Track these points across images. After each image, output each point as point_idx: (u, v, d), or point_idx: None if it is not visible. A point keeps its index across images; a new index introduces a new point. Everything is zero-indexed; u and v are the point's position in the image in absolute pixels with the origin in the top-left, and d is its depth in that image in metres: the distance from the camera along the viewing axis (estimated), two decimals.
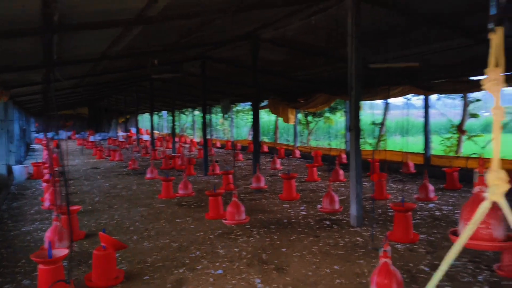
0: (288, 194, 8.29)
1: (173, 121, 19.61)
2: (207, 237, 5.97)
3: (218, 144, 24.66)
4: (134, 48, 8.51)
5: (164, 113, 35.60)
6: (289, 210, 7.56)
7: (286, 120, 15.69)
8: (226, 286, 4.22)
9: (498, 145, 1.45)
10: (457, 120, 14.07)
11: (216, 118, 29.81)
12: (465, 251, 5.09)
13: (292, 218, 7.01)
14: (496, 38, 1.33)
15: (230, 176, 9.67)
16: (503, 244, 2.47)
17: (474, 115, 14.01)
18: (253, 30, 8.54)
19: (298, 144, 17.68)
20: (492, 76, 1.37)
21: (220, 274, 4.55)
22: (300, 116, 19.75)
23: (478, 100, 13.34)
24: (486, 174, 1.50)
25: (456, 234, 2.60)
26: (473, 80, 9.49)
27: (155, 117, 30.69)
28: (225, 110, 18.48)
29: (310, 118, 21.80)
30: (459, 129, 6.22)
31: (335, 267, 4.67)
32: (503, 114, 1.42)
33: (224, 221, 6.32)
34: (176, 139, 21.22)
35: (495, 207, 1.56)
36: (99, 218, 7.29)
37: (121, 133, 36.05)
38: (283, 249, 5.32)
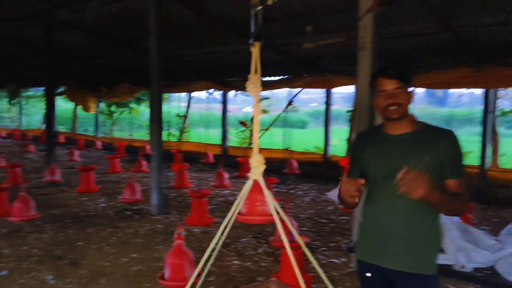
0: (86, 187, 7.92)
1: None
2: None
3: (4, 134, 21.45)
4: None
5: None
6: (87, 203, 7.26)
7: (86, 109, 14.79)
8: (13, 286, 3.86)
9: (257, 134, 1.82)
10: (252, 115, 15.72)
11: (2, 104, 25.79)
12: (250, 229, 5.88)
13: (90, 211, 6.76)
14: (255, 51, 1.68)
15: (19, 169, 8.63)
16: (271, 218, 3.03)
17: (264, 111, 15.88)
18: (47, 9, 7.80)
19: (100, 134, 16.86)
20: (252, 80, 1.73)
21: (4, 275, 4.12)
22: (102, 105, 18.81)
23: (267, 98, 15.14)
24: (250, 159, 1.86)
25: (240, 213, 3.06)
26: (263, 80, 10.81)
27: None
28: (12, 95, 16.21)
29: (114, 108, 20.97)
30: (241, 122, 7.10)
31: (133, 255, 4.77)
32: (261, 111, 1.80)
33: (10, 218, 5.67)
34: None
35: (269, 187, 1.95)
36: None
37: None
38: (79, 243, 5.13)
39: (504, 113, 9.78)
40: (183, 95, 17.21)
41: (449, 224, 3.54)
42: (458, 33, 6.36)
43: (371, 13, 4.13)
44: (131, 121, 26.43)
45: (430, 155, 1.92)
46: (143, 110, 21.88)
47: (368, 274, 2.09)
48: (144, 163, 10.37)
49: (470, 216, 5.33)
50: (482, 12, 5.74)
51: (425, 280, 1.96)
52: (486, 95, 8.05)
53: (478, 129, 8.93)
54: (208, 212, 6.21)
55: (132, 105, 21.02)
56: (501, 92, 9.70)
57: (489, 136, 8.34)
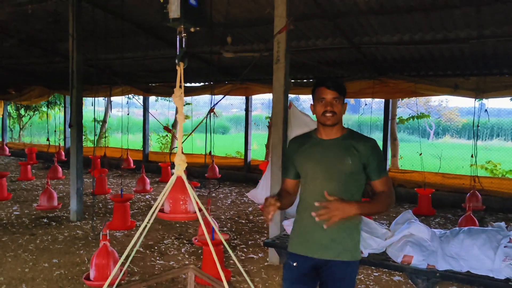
0: None
1: None
2: None
3: None
4: None
5: None
6: None
7: None
8: None
9: (181, 137, 2.09)
10: (173, 120, 15.72)
11: None
12: (172, 231, 6.06)
13: (3, 219, 6.47)
14: (180, 69, 1.97)
15: None
16: (193, 215, 3.31)
17: (186, 117, 15.99)
18: None
19: (7, 140, 15.74)
20: (177, 93, 2.00)
21: None
22: (10, 108, 17.59)
23: (188, 103, 15.30)
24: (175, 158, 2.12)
25: (162, 211, 3.28)
26: (186, 86, 10.99)
27: None
28: None
29: (22, 111, 19.66)
30: (165, 128, 7.27)
31: (54, 260, 4.74)
32: (184, 119, 2.08)
33: None
34: None
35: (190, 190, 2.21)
36: None
37: None
38: None
39: (402, 121, 10.96)
40: (101, 99, 16.72)
41: (360, 219, 4.07)
42: (362, 49, 7.14)
43: (281, 34, 4.59)
44: (43, 126, 24.87)
45: (352, 158, 2.20)
46: (56, 114, 20.76)
47: (295, 264, 2.31)
48: (60, 169, 10.00)
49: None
50: (381, 32, 6.54)
51: (346, 266, 2.23)
52: (386, 104, 9.03)
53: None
54: (131, 217, 6.28)
55: (44, 109, 19.86)
56: (399, 101, 10.88)
57: (389, 141, 9.34)
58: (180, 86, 1.99)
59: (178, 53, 1.89)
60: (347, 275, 2.26)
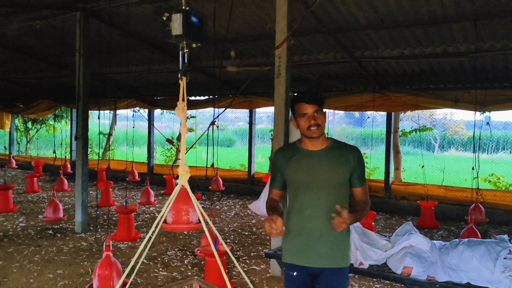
0: (4, 206, 7.60)
1: None
2: None
3: None
4: None
5: None
6: (5, 223, 7.00)
7: (1, 126, 13.98)
8: None
9: (184, 148, 2.18)
10: (178, 132, 15.83)
11: None
12: (176, 243, 6.11)
13: (9, 230, 6.56)
14: (182, 83, 2.06)
15: None
16: (196, 225, 3.37)
17: (190, 130, 16.12)
18: None
19: (14, 153, 15.93)
20: (180, 106, 2.09)
21: None
22: (17, 122, 17.83)
23: (193, 116, 15.44)
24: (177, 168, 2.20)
25: (165, 222, 3.35)
26: (190, 99, 11.13)
27: None
28: None
29: (29, 124, 19.90)
30: (168, 140, 7.38)
31: (59, 271, 4.80)
32: (187, 131, 2.17)
33: None
34: None
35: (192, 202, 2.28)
36: None
37: None
38: (0, 262, 5.02)
39: (404, 133, 11.01)
40: (107, 112, 16.91)
41: (350, 228, 4.11)
42: (363, 63, 7.25)
43: (279, 49, 4.70)
44: (50, 139, 25.11)
45: (342, 168, 2.29)
46: (63, 127, 21.00)
47: (295, 274, 2.38)
48: (66, 181, 10.11)
49: (373, 224, 6.07)
50: (382, 46, 6.65)
51: (339, 271, 2.33)
52: (389, 117, 9.10)
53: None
54: (135, 228, 6.34)
55: (51, 122, 20.10)
56: (402, 114, 10.94)
57: (392, 153, 9.38)
58: (183, 100, 2.08)
59: (180, 68, 1.98)
60: (342, 280, 2.36)
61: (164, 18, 1.81)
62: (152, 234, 2.21)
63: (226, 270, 4.64)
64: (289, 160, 2.38)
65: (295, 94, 2.47)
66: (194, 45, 1.91)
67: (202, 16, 1.94)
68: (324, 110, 2.37)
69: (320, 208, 2.29)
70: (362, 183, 2.35)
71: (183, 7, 1.84)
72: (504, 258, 3.72)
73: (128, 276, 3.53)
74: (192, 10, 1.85)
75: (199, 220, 3.58)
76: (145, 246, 2.18)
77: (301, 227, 2.33)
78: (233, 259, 2.12)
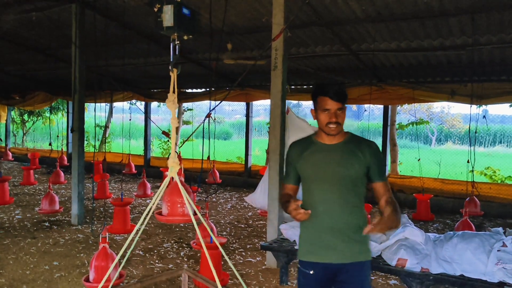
0: (0, 199, 7.58)
1: None
2: None
3: None
4: None
5: None
6: (1, 215, 7.01)
7: None
8: None
9: (174, 141, 2.18)
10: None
11: None
12: (172, 235, 6.13)
13: (5, 223, 6.56)
14: (173, 75, 2.06)
15: None
16: (188, 218, 3.37)
17: (187, 122, 16.08)
18: None
19: (11, 145, 15.88)
20: (171, 98, 2.09)
21: None
22: (13, 114, 17.77)
23: (190, 109, 15.40)
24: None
25: (160, 214, 3.35)
26: (187, 92, 11.10)
27: None
28: None
29: (26, 117, 19.83)
30: (164, 132, 7.38)
31: (55, 263, 4.81)
32: (178, 123, 2.17)
33: None
34: None
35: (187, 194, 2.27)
36: None
37: None
38: None
39: (401, 127, 11.02)
40: (103, 104, 16.86)
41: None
42: (360, 56, 7.23)
43: (275, 41, 4.68)
44: (46, 131, 25.02)
45: (358, 162, 2.21)
46: (59, 120, 20.93)
47: (311, 272, 2.27)
48: (62, 174, 10.10)
49: (369, 217, 6.08)
50: (379, 39, 6.63)
51: (360, 266, 2.24)
52: (385, 111, 9.10)
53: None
54: (131, 221, 6.34)
55: (48, 114, 20.02)
56: (399, 108, 10.94)
57: (389, 146, 9.40)
58: (174, 91, 2.07)
59: (171, 59, 1.98)
60: (364, 275, 2.28)
61: (155, 9, 1.80)
62: (140, 226, 2.21)
63: (221, 262, 4.66)
64: (303, 154, 2.31)
65: (317, 86, 2.28)
66: (185, 37, 1.90)
67: (196, 9, 1.92)
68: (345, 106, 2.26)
69: (335, 203, 2.22)
70: (382, 178, 2.26)
71: None
72: (498, 251, 3.75)
73: (120, 265, 3.53)
74: (184, 2, 1.83)
75: (195, 212, 3.59)
76: (133, 238, 2.18)
77: (315, 223, 2.25)
78: (222, 251, 2.12)
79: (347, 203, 2.21)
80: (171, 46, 1.91)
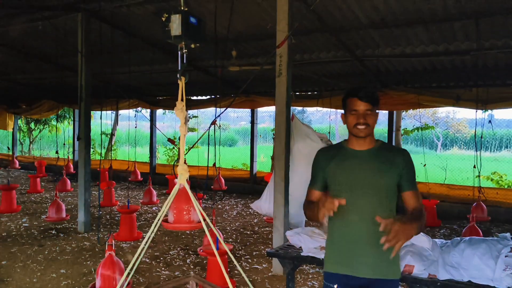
0: (7, 207, 7.63)
1: None
2: None
3: None
4: None
5: None
6: (8, 224, 7.05)
7: (4, 127, 14.04)
8: None
9: (183, 148, 2.20)
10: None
11: None
12: (178, 242, 6.13)
13: (12, 230, 6.60)
14: (181, 83, 2.08)
15: None
16: (197, 225, 3.39)
17: (192, 129, 16.13)
18: None
19: (18, 153, 15.99)
20: (179, 106, 2.11)
21: None
22: (20, 122, 17.90)
23: (195, 116, 15.46)
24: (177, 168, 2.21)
25: (167, 221, 3.36)
26: (192, 99, 11.15)
27: None
28: None
29: (32, 125, 19.98)
30: (169, 140, 7.41)
31: (62, 271, 4.83)
32: (186, 130, 2.18)
33: None
34: None
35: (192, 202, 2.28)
36: None
37: None
38: (4, 262, 5.06)
39: (406, 132, 10.99)
40: (109, 112, 16.96)
41: None
42: (365, 61, 7.24)
43: (280, 48, 4.71)
44: (53, 139, 25.18)
45: (390, 170, 2.12)
46: (66, 128, 21.06)
47: (335, 286, 2.17)
48: (68, 182, 10.15)
49: None
50: (383, 45, 6.64)
51: (391, 285, 2.16)
52: (390, 116, 9.09)
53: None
54: (137, 228, 6.36)
55: (54, 123, 20.16)
56: (404, 113, 10.92)
57: None
58: (182, 99, 2.09)
59: (179, 68, 2.00)
60: None
61: (163, 19, 1.82)
62: (151, 234, 2.21)
63: (228, 269, 4.65)
64: (333, 160, 2.22)
65: (348, 89, 2.22)
66: (193, 46, 1.92)
67: (201, 16, 1.95)
68: (377, 111, 2.19)
69: (365, 213, 2.11)
70: (413, 187, 2.16)
71: (182, 8, 1.85)
72: (506, 256, 3.72)
73: (127, 278, 3.55)
74: (191, 11, 1.86)
75: (203, 218, 3.58)
76: (145, 243, 2.19)
77: (344, 233, 2.16)
78: (232, 258, 2.13)
79: (380, 214, 2.04)
80: (179, 54, 1.93)
